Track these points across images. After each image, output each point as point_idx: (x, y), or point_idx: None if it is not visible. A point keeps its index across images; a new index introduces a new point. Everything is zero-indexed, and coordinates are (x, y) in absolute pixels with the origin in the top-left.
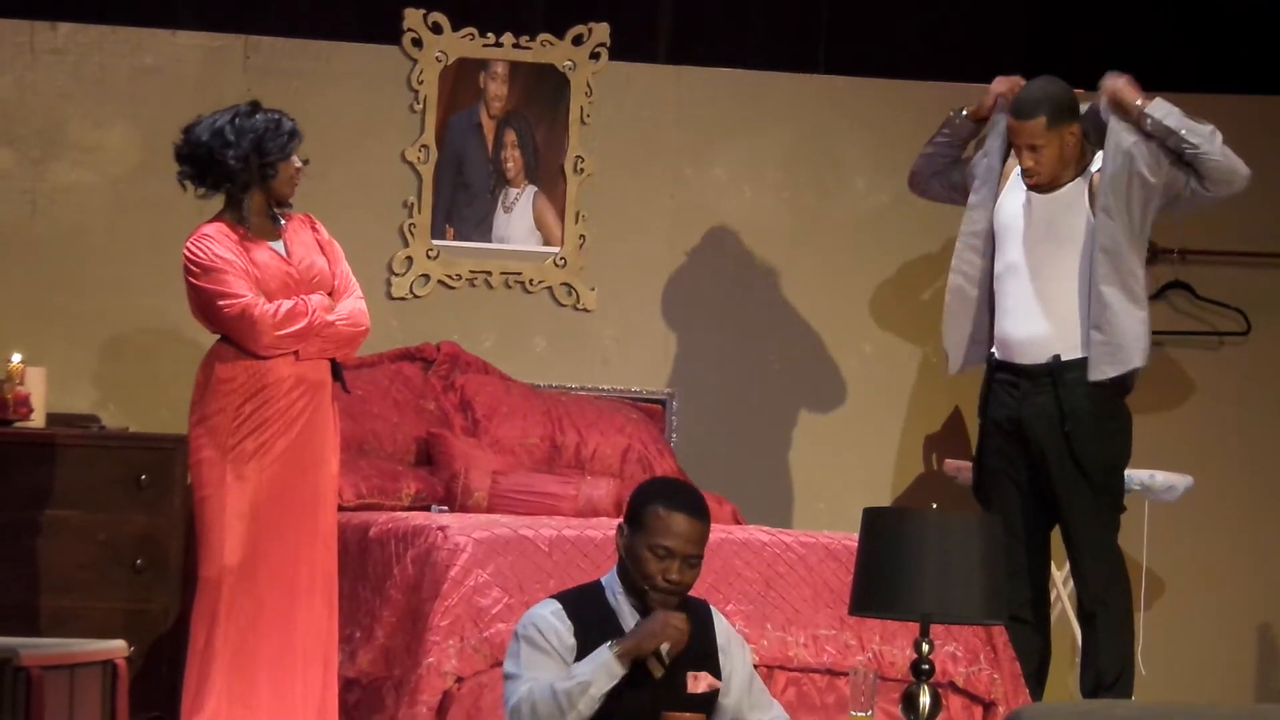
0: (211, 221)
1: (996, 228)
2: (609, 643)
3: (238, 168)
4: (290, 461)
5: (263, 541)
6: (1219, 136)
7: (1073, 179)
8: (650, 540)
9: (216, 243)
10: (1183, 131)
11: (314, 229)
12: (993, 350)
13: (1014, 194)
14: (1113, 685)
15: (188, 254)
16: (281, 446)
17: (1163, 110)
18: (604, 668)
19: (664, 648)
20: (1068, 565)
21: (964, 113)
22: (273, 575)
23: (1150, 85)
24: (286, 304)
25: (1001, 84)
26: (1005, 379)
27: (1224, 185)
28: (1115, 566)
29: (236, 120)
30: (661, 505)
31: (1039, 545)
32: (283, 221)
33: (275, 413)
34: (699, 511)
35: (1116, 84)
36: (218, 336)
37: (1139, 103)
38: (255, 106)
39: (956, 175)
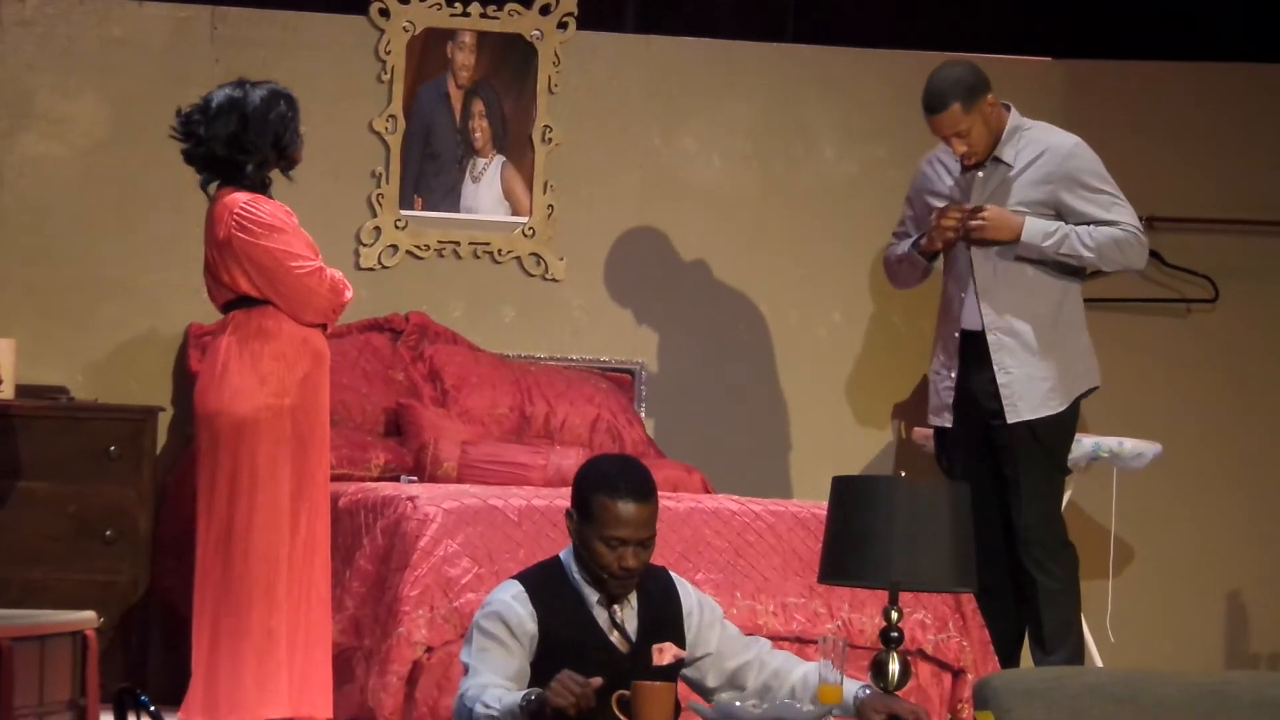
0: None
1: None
2: (525, 693)
3: (256, 165)
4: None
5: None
6: (1104, 251)
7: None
8: (601, 532)
9: (272, 204)
10: (1060, 255)
11: None
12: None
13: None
14: (1052, 653)
15: (247, 214)
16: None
17: (1032, 246)
18: (510, 712)
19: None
20: None
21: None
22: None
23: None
24: (337, 272)
25: (949, 219)
26: (966, 348)
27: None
28: (1055, 531)
29: (249, 124)
30: (606, 494)
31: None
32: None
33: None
34: (645, 495)
35: (984, 229)
36: (234, 309)
37: (1020, 235)
38: (246, 89)
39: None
